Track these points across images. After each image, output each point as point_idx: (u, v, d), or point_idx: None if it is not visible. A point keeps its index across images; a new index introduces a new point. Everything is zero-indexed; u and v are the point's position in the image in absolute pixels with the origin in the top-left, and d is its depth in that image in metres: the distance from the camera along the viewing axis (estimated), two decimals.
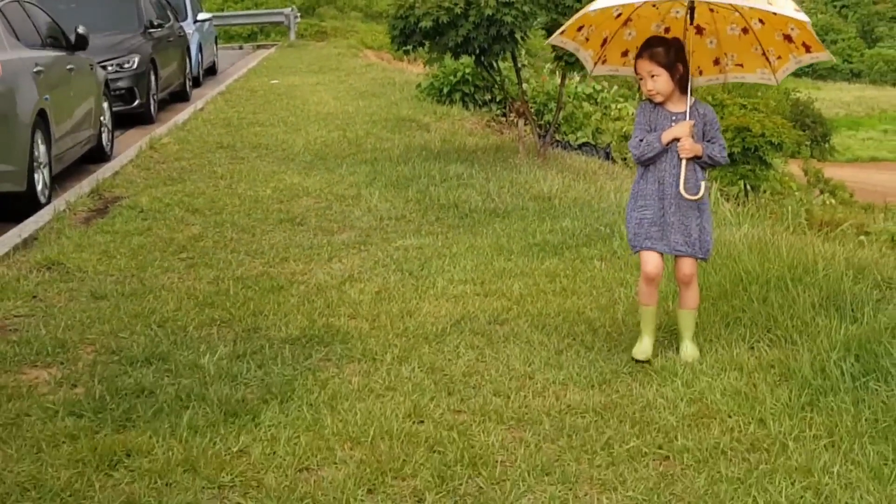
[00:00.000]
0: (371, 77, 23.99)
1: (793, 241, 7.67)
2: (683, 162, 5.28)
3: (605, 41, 5.79)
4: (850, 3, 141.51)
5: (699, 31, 5.66)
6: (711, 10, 5.57)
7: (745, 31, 5.61)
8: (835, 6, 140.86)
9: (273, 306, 6.52)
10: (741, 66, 5.78)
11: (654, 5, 5.59)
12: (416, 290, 6.87)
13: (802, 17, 5.17)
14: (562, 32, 5.82)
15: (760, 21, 5.51)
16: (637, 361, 5.37)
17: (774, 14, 5.25)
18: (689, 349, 5.44)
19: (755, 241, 7.42)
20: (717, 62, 5.83)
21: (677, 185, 5.29)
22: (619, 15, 5.63)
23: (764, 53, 5.62)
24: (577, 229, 8.48)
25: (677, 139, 5.28)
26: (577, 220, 8.80)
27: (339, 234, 8.69)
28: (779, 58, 5.61)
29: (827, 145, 66.92)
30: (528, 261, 7.57)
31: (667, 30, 5.65)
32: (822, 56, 5.53)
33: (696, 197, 5.30)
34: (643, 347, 5.45)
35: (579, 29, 5.76)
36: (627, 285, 6.74)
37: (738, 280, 6.43)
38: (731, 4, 5.31)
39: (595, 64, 5.92)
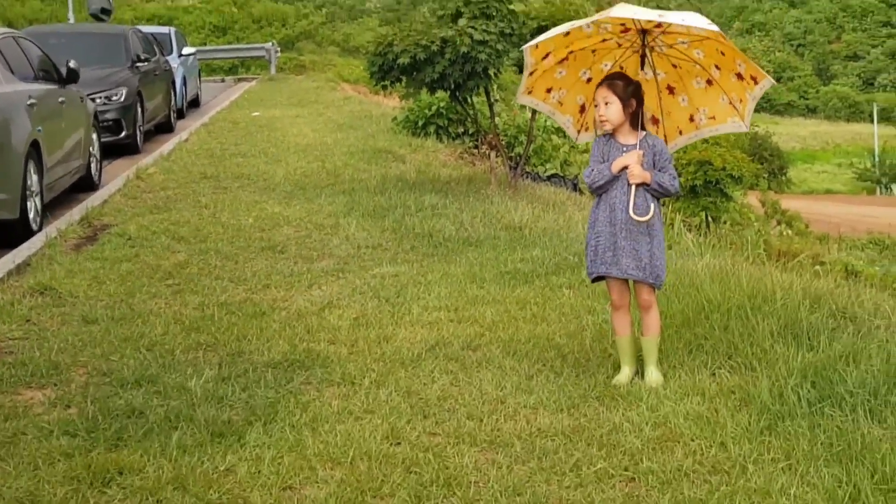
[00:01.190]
0: (349, 110, 24.06)
1: (752, 271, 7.75)
2: (633, 188, 5.38)
3: (583, 108, 5.92)
4: (806, 42, 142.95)
5: (671, 91, 5.80)
6: (675, 66, 5.71)
7: (709, 82, 5.72)
8: (792, 45, 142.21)
9: (256, 331, 6.55)
10: (713, 118, 5.86)
11: (621, 67, 5.74)
12: (392, 316, 6.92)
13: (714, 28, 5.25)
14: (529, 92, 5.93)
15: (717, 67, 5.63)
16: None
17: (700, 32, 5.35)
18: (653, 375, 5.50)
19: (717, 271, 7.49)
20: (692, 119, 5.92)
21: (627, 210, 5.38)
22: (590, 80, 5.76)
23: (731, 102, 5.72)
24: (547, 258, 8.55)
25: (627, 167, 5.38)
26: (547, 250, 8.87)
27: (318, 261, 8.73)
28: (740, 101, 5.71)
29: (784, 178, 67.66)
30: (499, 288, 7.64)
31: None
32: (767, 82, 5.58)
33: (644, 218, 5.38)
34: (622, 377, 5.53)
35: (548, 90, 5.89)
36: (595, 313, 6.81)
37: (700, 308, 6.50)
38: (649, 21, 5.40)
39: (578, 132, 6.04)
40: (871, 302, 7.05)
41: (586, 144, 20.77)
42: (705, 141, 22.80)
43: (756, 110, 6.11)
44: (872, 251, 22.89)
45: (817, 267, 11.87)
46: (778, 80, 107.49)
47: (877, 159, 76.44)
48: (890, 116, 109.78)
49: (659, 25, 5.46)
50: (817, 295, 6.89)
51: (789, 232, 25.12)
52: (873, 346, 5.63)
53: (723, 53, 5.54)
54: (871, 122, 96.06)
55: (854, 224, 33.29)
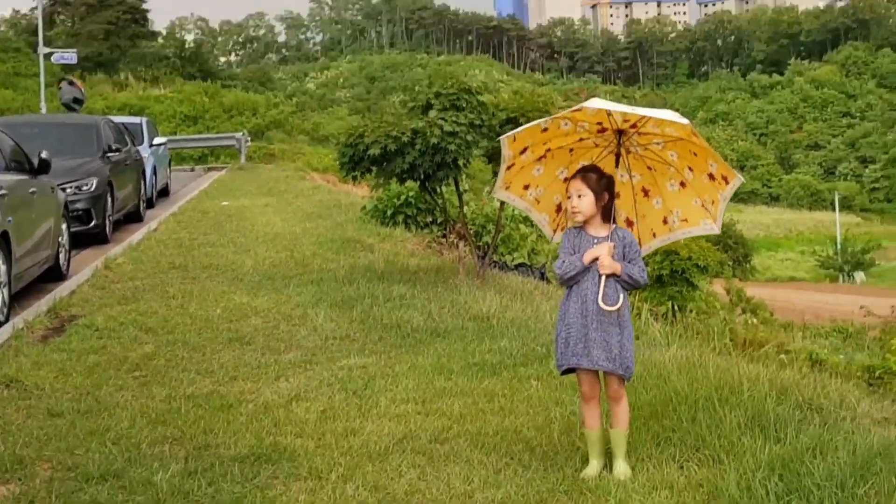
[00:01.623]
0: (318, 199, 24.16)
1: (719, 361, 7.77)
2: (603, 278, 5.41)
3: (559, 207, 5.98)
4: (768, 131, 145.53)
5: (646, 193, 5.88)
6: (650, 168, 5.80)
7: (682, 184, 5.80)
8: (754, 134, 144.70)
9: (223, 424, 6.49)
10: (686, 220, 5.93)
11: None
12: (359, 409, 6.89)
13: (685, 121, 5.33)
14: (507, 187, 6.00)
15: (690, 169, 5.72)
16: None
17: (666, 123, 5.45)
18: (621, 468, 5.48)
19: (684, 362, 7.52)
20: (665, 221, 5.99)
21: (597, 301, 5.40)
22: (567, 179, 5.83)
23: (703, 204, 5.80)
24: (515, 349, 8.56)
25: (598, 259, 5.42)
26: (515, 341, 8.89)
27: (285, 353, 8.69)
28: (712, 203, 5.79)
29: (748, 265, 68.20)
30: (467, 380, 7.62)
31: (616, 195, 5.72)
32: (737, 181, 5.68)
33: (614, 307, 5.41)
34: (590, 471, 5.50)
35: (525, 187, 5.95)
36: (563, 405, 6.80)
37: (668, 400, 6.50)
38: (625, 121, 5.52)
39: (554, 231, 6.10)
40: (837, 393, 7.09)
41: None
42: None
43: None
44: (836, 339, 23.01)
45: (782, 356, 11.93)
46: (742, 168, 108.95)
47: (839, 247, 77.35)
48: (851, 205, 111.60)
49: (634, 126, 5.56)
50: (784, 386, 6.92)
51: (754, 320, 25.24)
52: (839, 437, 5.65)
53: (695, 154, 5.64)
54: (833, 210, 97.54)
55: (818, 312, 33.55)
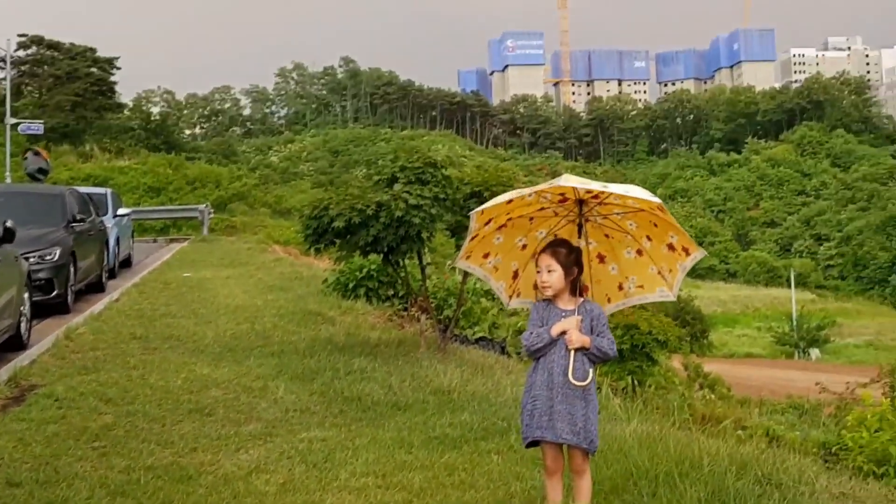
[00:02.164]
0: (279, 271, 24.15)
1: (679, 436, 7.80)
2: (571, 352, 5.43)
3: (516, 274, 6.04)
4: (726, 208, 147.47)
5: (601, 259, 5.96)
6: (607, 237, 5.88)
7: (639, 252, 5.89)
8: (712, 211, 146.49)
9: (182, 496, 6.45)
10: (641, 287, 6.01)
11: (555, 236, 5.88)
12: (319, 482, 6.86)
13: (655, 199, 5.41)
14: (467, 257, 6.06)
15: (648, 238, 5.81)
16: None
17: (631, 200, 5.54)
18: None
19: (644, 437, 7.55)
20: (620, 287, 6.06)
21: (565, 374, 5.41)
22: (525, 246, 5.90)
23: (659, 272, 5.88)
24: (476, 423, 8.57)
25: (566, 332, 5.46)
26: (476, 414, 8.90)
27: (246, 425, 8.66)
28: (670, 271, 5.88)
29: (706, 341, 68.53)
30: (428, 454, 7.61)
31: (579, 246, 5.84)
32: (699, 254, 5.77)
33: (583, 383, 5.43)
34: None
35: (485, 256, 6.02)
36: (524, 479, 6.81)
37: (628, 475, 6.52)
38: (588, 191, 5.59)
39: (510, 297, 6.15)
40: (796, 468, 7.13)
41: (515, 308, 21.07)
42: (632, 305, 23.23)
43: None
44: (792, 415, 23.11)
45: (740, 431, 11.98)
46: (700, 244, 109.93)
47: (794, 323, 77.92)
48: (806, 281, 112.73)
49: (596, 197, 5.64)
50: (743, 461, 6.95)
51: (712, 396, 25.36)
52: None
53: (655, 224, 5.72)
54: (789, 286, 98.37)
55: (774, 388, 33.75)
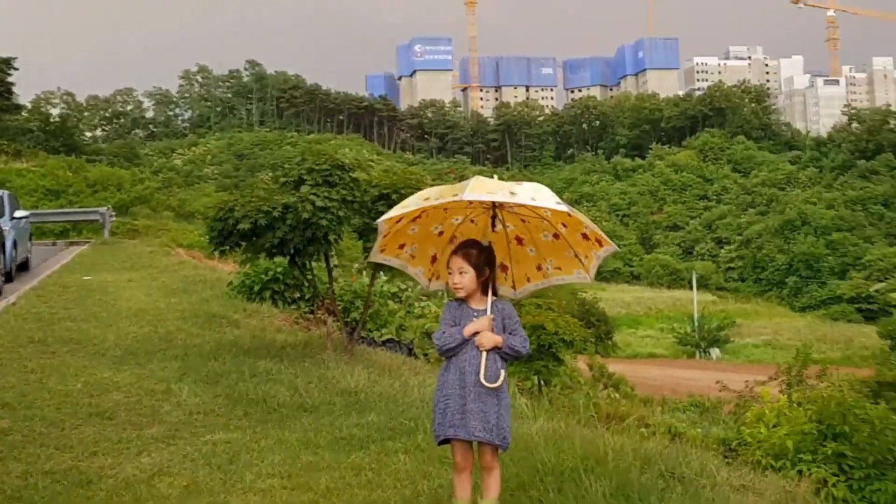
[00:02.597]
0: (183, 274, 23.78)
1: (585, 433, 7.88)
2: (484, 354, 5.44)
3: (434, 258, 6.00)
4: (630, 212, 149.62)
5: (520, 241, 5.94)
6: (523, 221, 5.86)
7: (556, 236, 5.87)
8: (617, 215, 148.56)
9: (82, 501, 6.31)
10: (560, 269, 6.00)
11: (472, 220, 5.84)
12: (224, 484, 6.76)
13: (564, 207, 5.39)
14: (382, 250, 5.99)
15: (563, 225, 5.80)
16: None
17: (542, 209, 5.53)
18: None
19: (551, 434, 7.60)
20: (539, 268, 6.05)
21: (477, 374, 5.41)
22: (442, 233, 5.87)
23: (576, 255, 5.89)
24: (383, 423, 8.54)
25: (478, 332, 5.45)
26: (383, 415, 8.86)
27: (148, 428, 8.49)
28: (586, 257, 5.88)
29: (610, 342, 69.44)
30: (334, 455, 7.56)
31: (489, 243, 5.82)
32: (612, 247, 5.79)
33: (495, 385, 5.43)
34: None
35: (401, 246, 5.97)
36: (431, 478, 6.79)
37: (535, 471, 6.55)
38: (500, 203, 5.58)
39: (430, 280, 6.11)
40: (698, 462, 7.26)
41: (422, 309, 21.04)
42: (538, 306, 23.47)
43: None
44: (693, 413, 23.57)
45: (643, 429, 12.12)
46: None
47: (696, 324, 79.40)
48: (707, 283, 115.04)
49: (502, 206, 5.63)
50: (647, 456, 7.06)
51: (616, 395, 25.70)
52: None
53: (569, 215, 5.66)
54: (691, 288, 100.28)
55: (676, 387, 34.39)
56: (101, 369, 10.96)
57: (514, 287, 5.97)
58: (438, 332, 5.61)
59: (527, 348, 5.61)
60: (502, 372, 5.50)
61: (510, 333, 5.55)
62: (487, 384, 5.41)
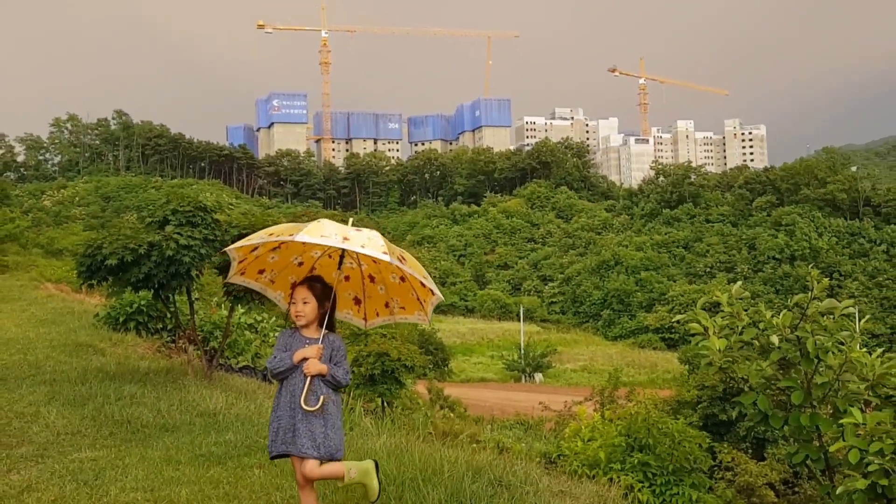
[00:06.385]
0: (52, 307, 22.97)
1: (423, 448, 7.99)
2: (308, 379, 5.46)
3: (294, 285, 6.01)
4: (466, 253, 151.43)
5: (372, 279, 6.02)
6: (375, 262, 5.91)
7: (402, 279, 6.00)
8: (454, 255, 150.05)
9: None
10: (404, 308, 6.08)
11: (329, 255, 5.86)
12: (90, 498, 6.61)
13: (386, 258, 5.29)
14: (242, 273, 5.97)
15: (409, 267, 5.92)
16: None
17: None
18: None
19: (392, 449, 7.70)
20: (387, 305, 6.12)
21: (300, 401, 5.43)
22: (302, 263, 5.90)
23: (418, 298, 6.01)
24: (240, 441, 8.47)
25: (307, 359, 5.48)
26: (240, 434, 8.79)
27: (17, 448, 8.20)
28: (425, 301, 6.00)
29: (446, 368, 70.03)
30: (194, 470, 7.46)
31: (346, 278, 5.89)
32: (437, 298, 5.89)
33: (313, 409, 5.43)
34: None
35: (261, 272, 5.97)
36: (283, 490, 6.79)
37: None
38: (332, 247, 5.60)
39: (289, 304, 6.11)
40: (522, 472, 7.46)
41: (276, 338, 20.86)
42: (384, 335, 23.59)
43: None
44: (519, 430, 23.97)
45: (475, 444, 12.32)
46: (442, 284, 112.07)
47: (522, 352, 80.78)
48: (533, 316, 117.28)
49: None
50: (478, 467, 7.21)
51: (452, 414, 25.96)
52: None
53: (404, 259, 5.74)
54: (518, 320, 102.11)
55: (504, 407, 34.93)
56: None
57: (365, 319, 6.04)
58: (271, 357, 5.62)
59: (347, 380, 5.63)
60: (321, 397, 5.47)
61: (335, 364, 5.56)
62: (306, 407, 5.41)
